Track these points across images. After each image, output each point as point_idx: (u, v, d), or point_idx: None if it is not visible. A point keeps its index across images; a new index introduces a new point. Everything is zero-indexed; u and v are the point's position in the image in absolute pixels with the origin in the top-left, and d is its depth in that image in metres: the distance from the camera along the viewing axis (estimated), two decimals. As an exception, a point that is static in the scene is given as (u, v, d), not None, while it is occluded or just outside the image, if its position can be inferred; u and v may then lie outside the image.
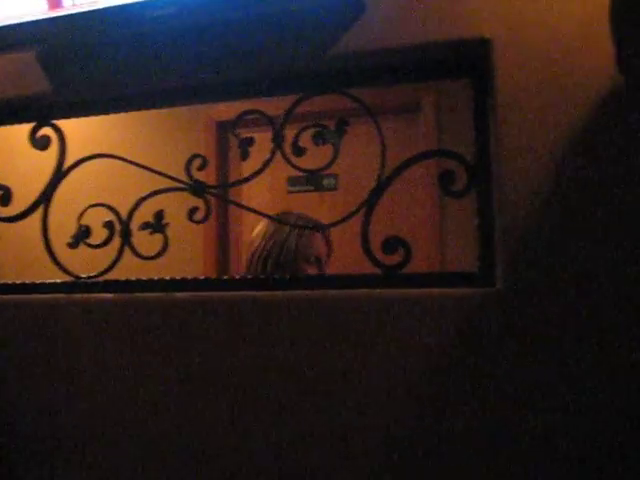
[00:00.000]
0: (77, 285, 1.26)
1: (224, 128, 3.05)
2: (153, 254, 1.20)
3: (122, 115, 1.35)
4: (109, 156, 1.28)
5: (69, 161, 1.30)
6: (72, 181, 1.32)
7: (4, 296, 1.28)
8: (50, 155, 1.30)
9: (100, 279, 1.25)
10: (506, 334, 1.00)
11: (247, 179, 1.21)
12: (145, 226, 1.21)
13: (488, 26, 1.07)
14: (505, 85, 1.04)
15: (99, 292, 1.23)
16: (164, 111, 1.35)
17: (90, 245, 1.24)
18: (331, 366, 1.07)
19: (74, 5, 1.17)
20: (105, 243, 1.24)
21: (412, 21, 1.10)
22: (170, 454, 1.13)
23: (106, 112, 1.33)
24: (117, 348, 1.18)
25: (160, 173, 1.24)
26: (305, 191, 3.03)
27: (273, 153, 1.17)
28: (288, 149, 1.16)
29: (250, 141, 1.18)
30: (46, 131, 1.30)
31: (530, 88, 1.03)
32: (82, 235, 1.25)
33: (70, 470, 1.19)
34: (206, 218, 1.19)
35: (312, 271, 1.69)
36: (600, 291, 0.98)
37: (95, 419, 1.18)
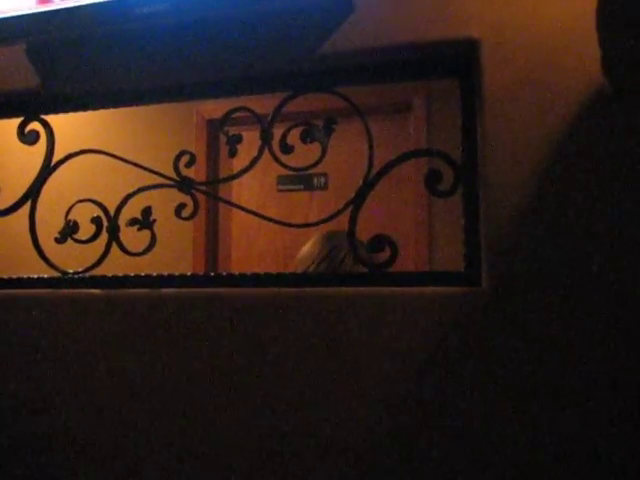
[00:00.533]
0: (64, 280, 1.26)
1: (215, 126, 3.05)
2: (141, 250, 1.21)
3: (113, 111, 1.36)
4: (97, 152, 1.29)
5: (58, 157, 1.29)
6: (61, 177, 1.32)
7: (-10, 291, 1.28)
8: (39, 150, 1.30)
9: (87, 275, 1.25)
10: (491, 333, 1.01)
11: (234, 176, 1.21)
12: (132, 222, 1.21)
13: (476, 27, 1.07)
14: (492, 85, 1.05)
15: (86, 288, 1.23)
16: (155, 108, 1.36)
17: (77, 240, 1.24)
18: (317, 363, 1.07)
19: (63, 0, 1.17)
20: (92, 239, 1.24)
21: (401, 21, 1.11)
22: (160, 449, 1.13)
23: (95, 108, 1.33)
24: (104, 344, 1.18)
25: (148, 169, 1.24)
26: (295, 190, 3.04)
27: (261, 151, 1.17)
28: (277, 148, 1.17)
29: (238, 138, 1.19)
30: (34, 126, 1.30)
31: (517, 88, 1.04)
32: (69, 230, 1.25)
33: (59, 469, 1.19)
34: (193, 215, 1.20)
35: None
36: (585, 291, 0.98)
37: (82, 415, 1.18)
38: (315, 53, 1.14)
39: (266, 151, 1.17)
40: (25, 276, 1.29)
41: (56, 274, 1.26)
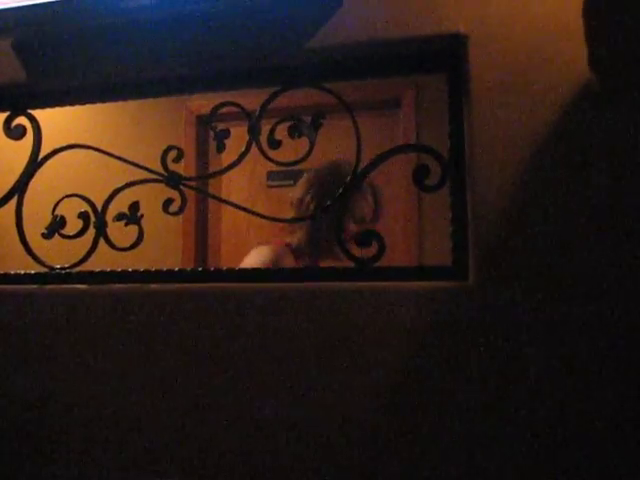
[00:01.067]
0: (51, 276, 1.25)
1: (204, 122, 3.04)
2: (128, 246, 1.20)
3: (101, 107, 1.35)
4: (84, 147, 1.28)
5: (45, 152, 1.29)
6: (48, 172, 1.31)
7: (-23, 287, 1.27)
8: (26, 145, 1.29)
9: (74, 270, 1.24)
10: (477, 328, 1.02)
11: (222, 172, 1.21)
12: (120, 217, 1.21)
13: (464, 22, 1.08)
14: (479, 80, 1.06)
15: (73, 283, 1.22)
16: (143, 104, 1.36)
17: (64, 236, 1.24)
18: (305, 356, 1.08)
19: (49, -7, 1.17)
20: (79, 234, 1.23)
21: (389, 16, 1.11)
22: (150, 440, 1.14)
23: (82, 102, 1.33)
24: (92, 339, 1.17)
25: (135, 164, 1.24)
26: (285, 185, 3.04)
27: (249, 146, 1.17)
28: (265, 143, 1.17)
29: (226, 134, 1.18)
30: (21, 120, 1.29)
31: (504, 83, 1.04)
32: (56, 226, 1.24)
33: (47, 463, 1.19)
34: (181, 210, 1.20)
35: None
36: (571, 287, 0.99)
37: (71, 410, 1.18)
38: (303, 47, 1.14)
39: (255, 146, 1.17)
40: (12, 272, 1.29)
41: (43, 269, 1.26)
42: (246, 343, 1.10)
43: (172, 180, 1.21)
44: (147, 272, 1.21)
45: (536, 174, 1.02)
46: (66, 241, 1.24)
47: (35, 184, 1.29)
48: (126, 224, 1.21)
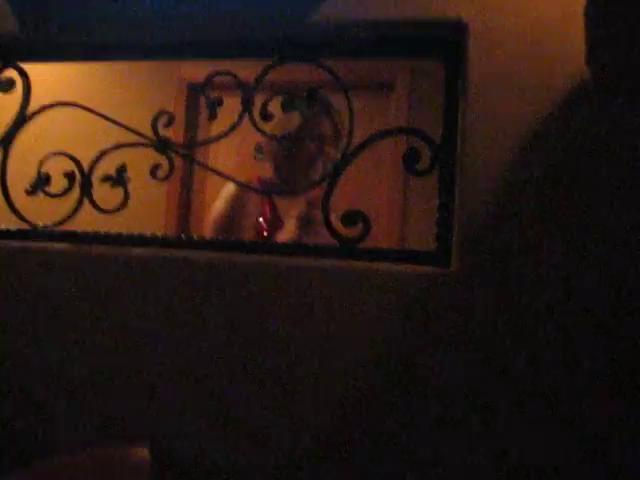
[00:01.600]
0: (33, 233, 1.24)
1: (195, 90, 3.01)
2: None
3: (94, 67, 1.33)
4: (73, 105, 1.26)
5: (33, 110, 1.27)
6: (35, 130, 1.29)
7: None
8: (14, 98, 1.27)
9: (57, 229, 1.23)
10: (456, 314, 1.03)
11: (211, 140, 1.20)
12: (106, 178, 1.19)
13: (466, 10, 1.07)
14: (477, 68, 1.06)
15: (55, 241, 1.21)
16: (135, 67, 1.33)
17: (48, 194, 1.22)
18: (284, 329, 1.08)
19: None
20: (64, 193, 1.22)
21: (392, -4, 1.10)
22: (120, 405, 1.14)
23: (74, 60, 1.31)
24: (70, 299, 1.17)
25: (124, 126, 1.22)
26: (272, 160, 3.02)
27: (241, 117, 1.16)
28: (257, 115, 1.16)
29: (219, 101, 1.17)
30: (10, 73, 1.27)
31: (502, 73, 1.05)
32: (41, 183, 1.22)
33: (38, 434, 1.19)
34: (169, 176, 1.19)
35: None
36: (552, 278, 1.01)
37: (43, 371, 1.17)
38: (303, 21, 1.12)
39: (246, 118, 1.16)
40: (-6, 227, 1.27)
41: (25, 226, 1.25)
42: (225, 313, 1.10)
43: (161, 145, 1.20)
44: (131, 236, 1.20)
45: (528, 167, 1.02)
46: (51, 201, 1.22)
47: (21, 141, 1.27)
48: (112, 185, 1.19)
